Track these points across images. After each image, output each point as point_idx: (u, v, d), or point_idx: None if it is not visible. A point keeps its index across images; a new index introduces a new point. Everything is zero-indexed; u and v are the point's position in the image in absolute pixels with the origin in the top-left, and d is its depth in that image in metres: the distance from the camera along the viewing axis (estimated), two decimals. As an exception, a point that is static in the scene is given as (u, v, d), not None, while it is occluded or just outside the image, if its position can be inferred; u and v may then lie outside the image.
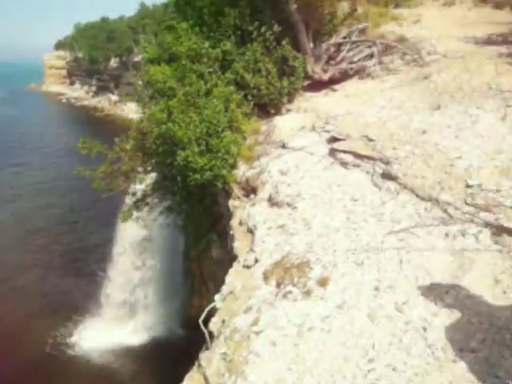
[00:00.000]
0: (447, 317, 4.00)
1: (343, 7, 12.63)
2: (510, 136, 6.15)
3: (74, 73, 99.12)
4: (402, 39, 11.44)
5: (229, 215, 8.47)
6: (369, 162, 6.79)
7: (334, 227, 5.74)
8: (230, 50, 10.37)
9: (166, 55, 11.23)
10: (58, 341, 18.37)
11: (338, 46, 11.41)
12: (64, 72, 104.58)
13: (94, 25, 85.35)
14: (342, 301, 4.55)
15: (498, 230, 4.71)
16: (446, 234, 4.92)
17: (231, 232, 7.57)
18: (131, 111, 53.77)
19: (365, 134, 7.37)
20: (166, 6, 20.64)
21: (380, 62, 10.84)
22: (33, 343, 17.98)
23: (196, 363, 4.92)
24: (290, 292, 4.93)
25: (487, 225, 4.83)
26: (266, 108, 10.42)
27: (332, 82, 10.95)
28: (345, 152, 7.26)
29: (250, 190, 8.33)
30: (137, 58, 59.37)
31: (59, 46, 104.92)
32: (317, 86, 10.90)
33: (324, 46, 11.19)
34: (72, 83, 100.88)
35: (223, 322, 5.16)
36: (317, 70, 10.97)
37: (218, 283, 6.48)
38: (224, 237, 10.01)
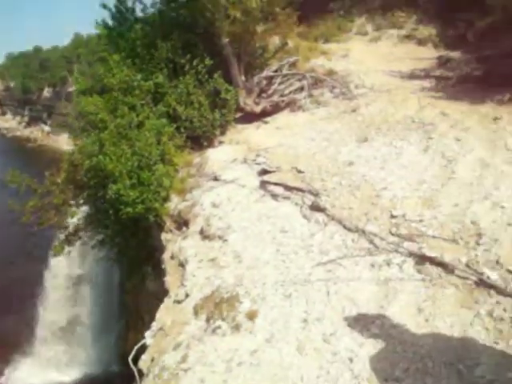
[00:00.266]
0: (373, 347, 4.07)
1: (274, 41, 12.91)
2: (432, 167, 6.40)
3: (6, 102, 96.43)
4: (331, 73, 11.76)
5: (161, 249, 8.38)
6: (298, 193, 6.89)
7: (264, 260, 5.77)
8: (163, 82, 10.37)
9: (98, 87, 11.14)
10: (-14, 382, 17.55)
11: (270, 78, 11.59)
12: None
13: (27, 54, 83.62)
14: (270, 334, 4.55)
15: (421, 259, 4.86)
16: (372, 265, 5.04)
17: (163, 266, 7.49)
18: (64, 142, 52.67)
19: (295, 166, 7.49)
20: (100, 36, 20.53)
21: (310, 95, 11.06)
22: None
23: (126, 402, 4.81)
24: (219, 327, 4.90)
25: (411, 254, 4.98)
26: (199, 140, 10.44)
27: (264, 114, 11.08)
28: (275, 184, 7.34)
29: (183, 223, 8.27)
30: (71, 89, 58.27)
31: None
32: (249, 118, 11.01)
33: (256, 78, 11.34)
34: (3, 113, 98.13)
35: (153, 359, 5.07)
36: (249, 103, 11.08)
37: (154, 317, 6.38)
38: (159, 270, 9.87)
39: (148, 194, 8.63)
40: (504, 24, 10.27)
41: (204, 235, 7.05)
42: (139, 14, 11.94)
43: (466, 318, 4.12)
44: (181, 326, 5.32)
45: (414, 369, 3.77)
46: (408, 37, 14.83)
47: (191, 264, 6.49)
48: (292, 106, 11.12)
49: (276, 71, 11.68)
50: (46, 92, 75.41)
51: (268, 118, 10.91)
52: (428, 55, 12.63)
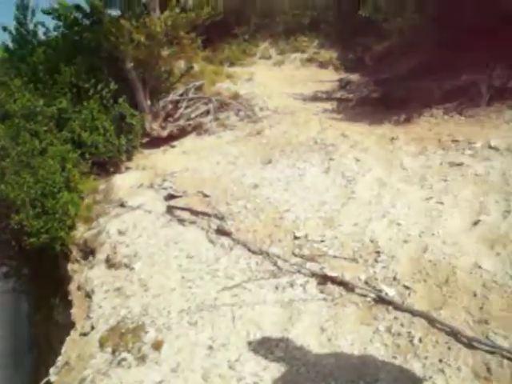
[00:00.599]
0: (277, 370, 4.06)
1: (180, 65, 12.90)
2: (333, 187, 6.56)
3: None
4: (236, 96, 11.87)
5: (68, 279, 8.07)
6: (204, 218, 6.85)
7: (170, 287, 5.67)
8: (66, 107, 10.07)
9: (-1, 113, 10.68)
10: None
11: (176, 102, 11.56)
12: None
13: None
14: (176, 363, 4.46)
15: (323, 279, 4.93)
16: (276, 287, 5.06)
17: (70, 297, 7.21)
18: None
19: (201, 190, 7.46)
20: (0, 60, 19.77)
21: (216, 119, 11.11)
22: None
23: None
24: (124, 359, 4.75)
25: (313, 274, 5.04)
26: (105, 166, 10.20)
27: (171, 138, 11.00)
28: (182, 209, 7.27)
29: (89, 252, 8.02)
30: (-29, 114, 55.79)
31: None
32: (156, 142, 10.90)
33: (161, 103, 11.28)
34: None
35: (56, 397, 4.84)
36: (155, 127, 10.98)
37: (64, 351, 6.12)
38: (67, 301, 9.50)
39: (53, 222, 8.31)
40: (399, 48, 10.77)
41: (110, 264, 6.86)
42: (42, 37, 11.62)
43: (366, 335, 4.20)
44: (86, 360, 5.11)
45: (318, 389, 3.80)
46: (310, 60, 15.26)
47: (97, 294, 6.29)
48: (198, 129, 11.11)
49: (182, 95, 11.67)
50: None
51: (175, 143, 10.83)
52: (329, 78, 13.03)
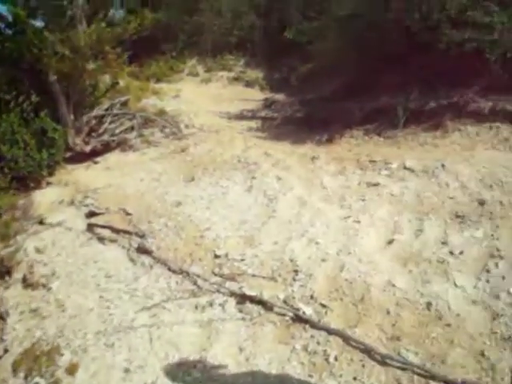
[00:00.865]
0: (194, 392, 4.02)
1: (105, 80, 12.70)
2: (255, 206, 6.59)
3: None
4: (162, 112, 11.79)
5: (-16, 301, 7.71)
6: (125, 236, 6.72)
7: (87, 307, 5.51)
8: (-16, 119, 9.70)
9: None
10: None
11: (100, 118, 11.35)
12: None
13: None
14: (90, 388, 4.33)
15: (242, 299, 4.93)
16: (196, 306, 5.02)
17: (-17, 320, 6.88)
18: None
19: (123, 208, 7.32)
20: None
21: (141, 135, 10.98)
22: None
23: None
24: (36, 384, 4.58)
25: (232, 294, 5.03)
26: (25, 181, 9.84)
27: (94, 154, 10.77)
28: (102, 227, 7.11)
29: (5, 271, 7.70)
30: None
31: None
32: (79, 158, 10.63)
33: (85, 118, 11.04)
34: None
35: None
36: (78, 142, 10.73)
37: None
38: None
39: (-30, 240, 7.95)
40: (323, 70, 11.03)
41: (27, 283, 6.59)
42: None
43: (284, 354, 4.22)
44: (-1, 386, 4.89)
45: (234, 410, 3.78)
46: (237, 79, 15.42)
47: (12, 316, 6.02)
48: (123, 145, 10.93)
49: (107, 110, 11.47)
50: None
51: (98, 158, 10.61)
52: (255, 97, 13.19)
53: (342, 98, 9.68)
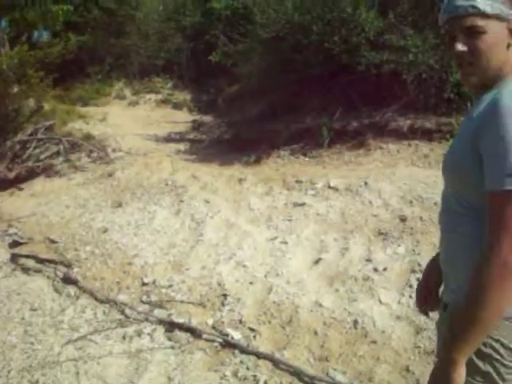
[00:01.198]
0: (120, 426, 3.91)
1: (29, 104, 12.38)
2: (182, 230, 6.54)
3: None
4: (88, 137, 11.58)
5: None
6: (50, 266, 6.51)
7: (11, 343, 5.26)
8: None
9: None
10: None
11: (24, 143, 11.05)
12: None
13: None
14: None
15: (171, 326, 4.85)
16: (123, 337, 4.89)
17: None
18: None
19: (48, 236, 7.11)
20: None
21: (67, 160, 10.73)
22: None
23: None
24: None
25: (161, 322, 4.95)
26: None
27: (19, 180, 10.45)
28: (27, 256, 6.87)
29: None
30: None
31: None
32: (2, 185, 10.27)
33: (9, 143, 10.74)
34: None
35: None
36: (1, 169, 10.41)
37: None
38: None
39: None
40: (249, 91, 11.15)
41: None
42: None
43: (214, 381, 4.17)
44: None
45: None
46: (165, 101, 15.37)
47: None
48: (48, 171, 10.65)
49: (31, 135, 11.18)
50: None
51: (23, 185, 10.29)
52: (183, 119, 13.18)
53: (268, 118, 9.81)
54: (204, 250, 5.99)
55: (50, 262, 6.60)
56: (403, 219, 5.72)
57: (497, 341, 1.60)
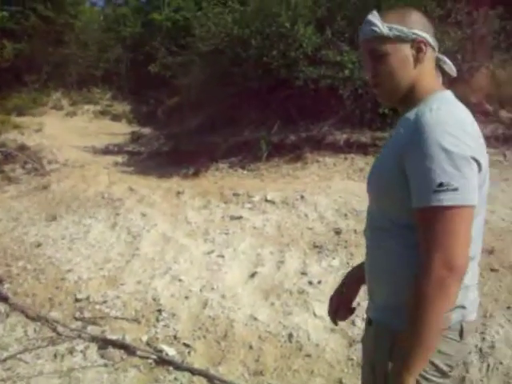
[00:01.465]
0: None
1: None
2: (118, 244, 6.43)
3: None
4: (23, 147, 11.29)
5: None
6: (-20, 283, 6.29)
7: None
8: None
9: None
10: None
11: (-44, 154, 10.68)
12: None
13: None
14: None
15: (104, 343, 4.75)
16: (55, 355, 4.75)
17: None
18: None
19: (-24, 253, 6.86)
20: None
21: (1, 171, 10.43)
22: None
23: None
24: None
25: (94, 339, 4.84)
26: None
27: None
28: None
29: None
30: None
31: None
32: None
33: None
34: None
35: None
36: None
37: None
38: None
39: None
40: (189, 103, 11.13)
41: None
42: None
43: (147, 399, 4.12)
44: None
45: None
46: (103, 113, 15.18)
47: None
48: (-20, 184, 10.33)
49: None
50: None
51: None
52: (122, 131, 13.03)
53: (207, 131, 9.81)
54: (140, 264, 5.90)
55: (-19, 279, 6.39)
56: (338, 232, 5.81)
57: None
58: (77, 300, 5.42)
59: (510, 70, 9.08)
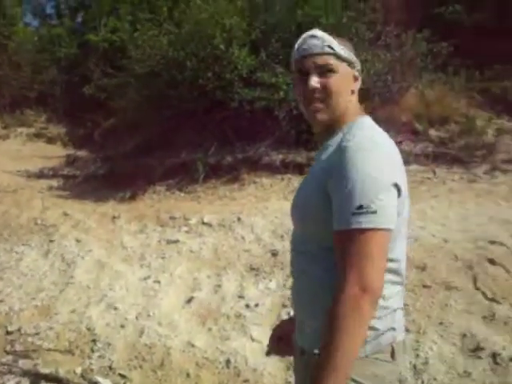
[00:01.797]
0: None
1: None
2: (52, 272, 6.25)
3: None
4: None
5: None
6: None
7: None
8: None
9: None
10: None
11: None
12: None
13: None
14: None
15: (36, 377, 4.59)
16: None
17: None
18: None
19: None
20: None
21: None
22: None
23: None
24: None
25: (26, 373, 4.67)
26: None
27: None
28: None
29: None
30: None
31: None
32: None
33: None
34: None
35: None
36: None
37: None
38: None
39: None
40: (125, 125, 11.02)
41: None
42: None
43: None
44: None
45: None
46: (37, 135, 14.81)
47: None
48: None
49: None
50: None
51: None
52: (57, 154, 12.74)
53: (144, 153, 9.72)
54: (74, 292, 5.75)
55: None
56: (274, 254, 5.83)
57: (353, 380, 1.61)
58: (8, 332, 5.23)
59: (438, 90, 9.44)
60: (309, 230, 1.78)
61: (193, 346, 4.63)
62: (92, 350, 4.79)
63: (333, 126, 1.79)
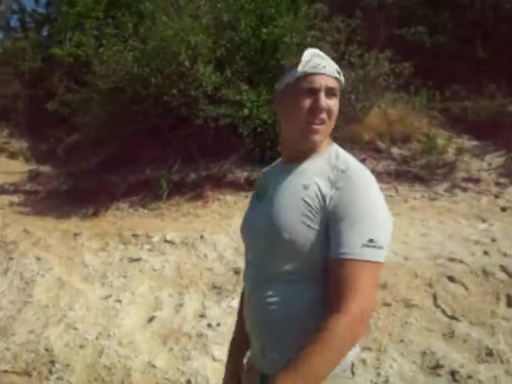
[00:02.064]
0: None
1: None
2: (10, 291, 6.09)
3: None
4: None
5: None
6: None
7: None
8: None
9: None
10: None
11: None
12: None
13: None
14: None
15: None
16: None
17: None
18: None
19: None
20: None
21: None
22: None
23: None
24: None
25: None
26: None
27: None
28: None
29: None
30: None
31: None
32: None
33: None
34: None
35: None
36: None
37: None
38: None
39: None
40: (88, 141, 10.92)
41: None
42: None
43: None
44: None
45: None
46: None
47: None
48: None
49: None
50: None
51: None
52: (19, 169, 12.54)
53: (108, 170, 9.64)
54: (32, 312, 5.63)
55: None
56: (237, 272, 5.80)
57: None
58: None
59: (400, 109, 9.61)
60: (283, 257, 1.72)
61: (153, 366, 4.57)
62: (50, 372, 4.68)
63: (315, 149, 1.77)
